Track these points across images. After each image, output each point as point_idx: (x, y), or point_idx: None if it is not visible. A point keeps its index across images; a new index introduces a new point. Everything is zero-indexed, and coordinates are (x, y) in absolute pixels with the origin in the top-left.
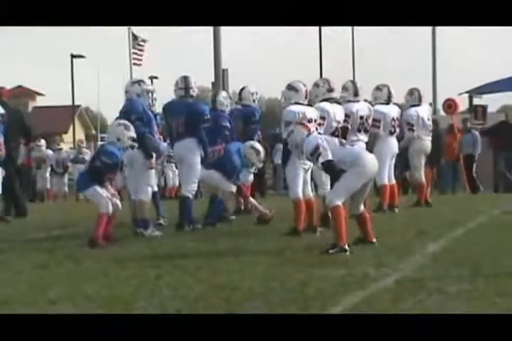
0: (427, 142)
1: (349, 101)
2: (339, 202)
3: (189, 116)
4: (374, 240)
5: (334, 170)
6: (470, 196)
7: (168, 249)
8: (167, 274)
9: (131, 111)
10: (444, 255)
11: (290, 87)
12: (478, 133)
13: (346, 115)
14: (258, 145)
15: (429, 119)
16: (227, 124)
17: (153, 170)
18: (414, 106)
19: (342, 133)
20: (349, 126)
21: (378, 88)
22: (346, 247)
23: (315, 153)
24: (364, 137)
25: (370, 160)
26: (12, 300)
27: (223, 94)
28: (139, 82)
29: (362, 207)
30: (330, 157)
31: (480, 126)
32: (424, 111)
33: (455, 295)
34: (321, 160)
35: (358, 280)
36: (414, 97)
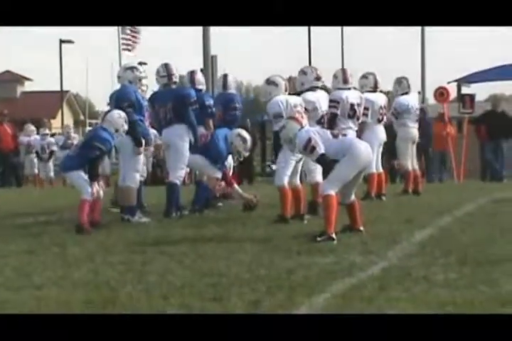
0: (415, 130)
1: (339, 88)
2: (332, 192)
3: (176, 102)
4: (361, 228)
5: (328, 163)
6: (457, 185)
7: (155, 235)
8: (154, 260)
9: (123, 99)
10: (431, 243)
11: (269, 82)
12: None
13: (336, 101)
14: (245, 134)
15: (416, 108)
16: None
17: (141, 157)
18: (403, 94)
19: (331, 119)
20: (338, 113)
21: (364, 76)
22: (334, 236)
23: (307, 147)
24: (353, 125)
25: (364, 149)
26: None
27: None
28: (132, 68)
29: (353, 197)
30: (322, 150)
31: (468, 114)
32: (413, 99)
33: (442, 284)
34: (314, 154)
35: (345, 268)
36: (403, 86)
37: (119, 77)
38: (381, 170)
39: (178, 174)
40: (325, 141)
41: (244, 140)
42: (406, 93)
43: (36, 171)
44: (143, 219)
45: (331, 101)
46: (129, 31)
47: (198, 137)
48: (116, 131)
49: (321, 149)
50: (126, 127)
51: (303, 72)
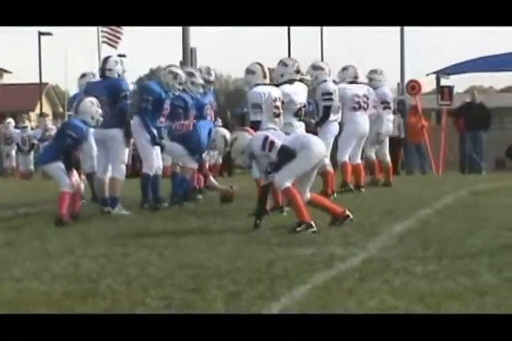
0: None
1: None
2: (288, 184)
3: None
4: (347, 212)
5: (290, 152)
6: (437, 177)
7: (135, 228)
8: (134, 252)
9: (120, 88)
10: (410, 235)
11: (248, 71)
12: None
13: (329, 93)
14: (228, 137)
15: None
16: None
17: (127, 149)
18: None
19: (325, 111)
20: (332, 104)
21: (345, 68)
22: (312, 223)
23: (266, 145)
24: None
25: (317, 142)
26: None
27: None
28: (121, 61)
29: (308, 194)
30: (279, 143)
31: (446, 106)
32: (389, 90)
33: (421, 276)
34: (275, 149)
35: (324, 260)
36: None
37: (109, 70)
38: (359, 161)
39: (149, 164)
40: (280, 138)
41: (226, 143)
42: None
43: (15, 164)
44: (123, 211)
45: (326, 93)
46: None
47: (173, 127)
48: (92, 118)
49: (278, 143)
50: (100, 111)
51: (283, 63)
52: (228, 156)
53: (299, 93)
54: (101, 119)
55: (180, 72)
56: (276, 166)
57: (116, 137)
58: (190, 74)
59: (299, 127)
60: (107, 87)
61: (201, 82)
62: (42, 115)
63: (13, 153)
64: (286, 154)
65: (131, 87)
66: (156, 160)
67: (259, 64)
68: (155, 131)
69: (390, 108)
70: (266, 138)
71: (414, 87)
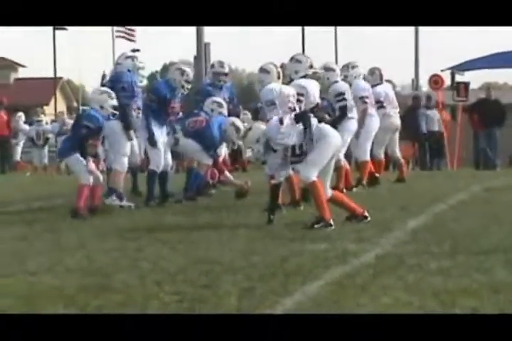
0: (397, 119)
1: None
2: (314, 177)
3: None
4: (366, 213)
5: (308, 119)
6: (451, 172)
7: (148, 222)
8: (147, 247)
9: (118, 80)
10: (424, 231)
11: (261, 70)
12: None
13: (341, 94)
14: (239, 123)
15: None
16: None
17: (129, 142)
18: (376, 85)
19: (341, 111)
20: (347, 104)
21: (372, 72)
22: (331, 222)
23: (282, 120)
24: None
25: (331, 132)
26: None
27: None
28: (133, 57)
29: (329, 191)
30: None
31: (462, 102)
32: (389, 88)
33: (435, 272)
34: (290, 117)
35: (338, 255)
36: (375, 77)
37: (118, 64)
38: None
39: (155, 161)
40: (295, 129)
41: (237, 129)
42: (378, 84)
43: (18, 158)
44: (116, 201)
45: (338, 94)
46: None
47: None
48: (102, 107)
49: (291, 114)
50: (111, 102)
51: (297, 60)
52: (241, 149)
53: (314, 89)
54: (112, 111)
55: (187, 69)
56: (301, 149)
57: (115, 129)
58: (211, 66)
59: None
60: (109, 79)
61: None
62: (59, 113)
63: (19, 148)
64: (304, 119)
65: (144, 83)
66: (163, 157)
67: (274, 64)
68: (160, 131)
69: (384, 107)
70: (279, 118)
71: (437, 81)
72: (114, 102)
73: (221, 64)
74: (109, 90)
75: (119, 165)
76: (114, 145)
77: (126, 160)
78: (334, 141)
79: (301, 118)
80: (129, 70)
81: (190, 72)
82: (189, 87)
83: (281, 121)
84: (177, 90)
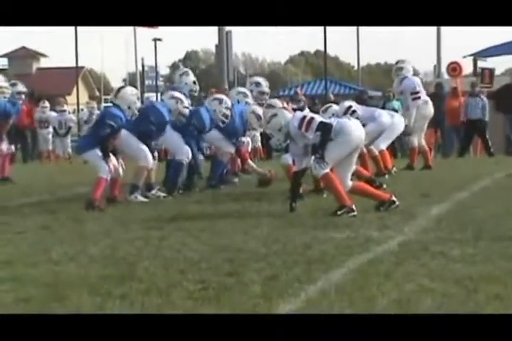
0: (432, 107)
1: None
2: (326, 170)
3: None
4: (393, 198)
5: (329, 129)
6: (474, 159)
7: (171, 211)
8: (170, 236)
9: (151, 113)
10: (447, 218)
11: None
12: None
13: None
14: (259, 111)
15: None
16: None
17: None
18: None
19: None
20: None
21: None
22: (353, 207)
23: (303, 124)
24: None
25: (356, 128)
26: (14, 260)
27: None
28: (178, 100)
29: (350, 182)
30: (318, 121)
31: (487, 89)
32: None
33: (458, 259)
34: (311, 128)
35: (361, 243)
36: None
37: (162, 100)
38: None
39: (183, 151)
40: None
41: (258, 117)
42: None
43: (50, 147)
44: (139, 198)
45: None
46: None
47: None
48: (129, 108)
49: (317, 120)
50: (138, 104)
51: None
52: (267, 138)
53: None
54: (136, 112)
55: (224, 97)
56: (316, 148)
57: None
58: (257, 84)
59: None
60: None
61: (267, 90)
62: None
63: (50, 136)
64: (325, 131)
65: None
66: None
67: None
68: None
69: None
70: (304, 117)
71: (455, 68)
72: (139, 104)
73: (267, 84)
74: (137, 91)
75: (144, 161)
76: (132, 143)
77: (149, 155)
78: (354, 139)
79: (322, 129)
80: (169, 110)
81: (227, 100)
82: (229, 113)
83: (301, 123)
84: (216, 121)
